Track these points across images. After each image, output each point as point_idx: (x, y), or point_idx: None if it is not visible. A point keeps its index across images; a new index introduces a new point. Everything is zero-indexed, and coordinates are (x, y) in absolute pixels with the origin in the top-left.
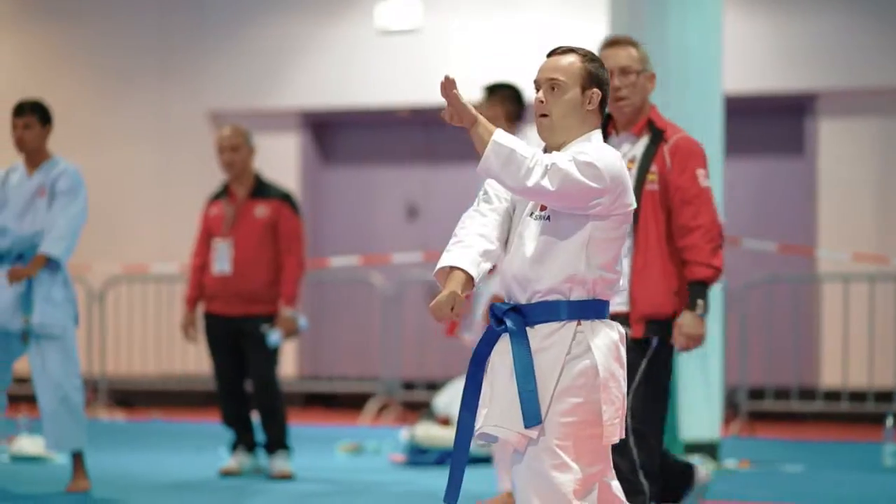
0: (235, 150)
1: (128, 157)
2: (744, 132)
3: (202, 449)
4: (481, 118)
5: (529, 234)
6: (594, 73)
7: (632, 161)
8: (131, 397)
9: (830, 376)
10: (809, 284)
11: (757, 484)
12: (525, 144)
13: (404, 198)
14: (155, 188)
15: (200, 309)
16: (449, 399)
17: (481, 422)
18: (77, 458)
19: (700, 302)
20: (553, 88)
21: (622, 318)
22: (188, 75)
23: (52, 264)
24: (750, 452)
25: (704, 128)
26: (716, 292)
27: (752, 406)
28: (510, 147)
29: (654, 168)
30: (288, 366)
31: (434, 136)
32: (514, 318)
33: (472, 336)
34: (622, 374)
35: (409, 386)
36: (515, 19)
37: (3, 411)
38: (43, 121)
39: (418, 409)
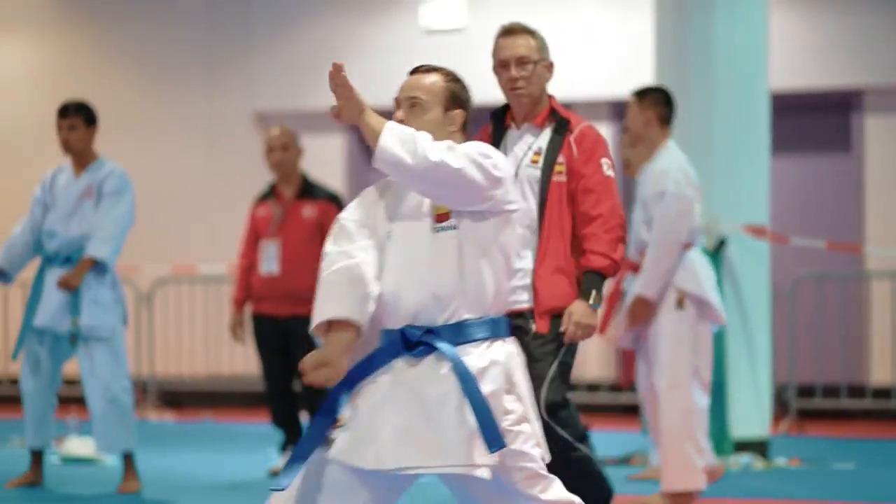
0: (285, 150)
1: (175, 159)
2: (790, 129)
3: (252, 450)
4: (369, 108)
5: (436, 249)
6: (457, 94)
7: (538, 153)
8: (180, 398)
9: (880, 373)
10: (858, 281)
11: (807, 482)
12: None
13: None
14: (202, 189)
15: (248, 309)
16: None
17: (399, 461)
18: (128, 459)
19: (594, 292)
20: (413, 107)
21: (526, 314)
22: (235, 76)
23: (98, 266)
24: (800, 450)
25: (751, 125)
26: (764, 290)
27: (802, 404)
28: (406, 130)
29: (561, 158)
30: None
31: (477, 138)
32: (440, 340)
33: (617, 335)
34: (525, 384)
35: None
36: (560, 18)
37: (53, 413)
38: (88, 122)
39: None
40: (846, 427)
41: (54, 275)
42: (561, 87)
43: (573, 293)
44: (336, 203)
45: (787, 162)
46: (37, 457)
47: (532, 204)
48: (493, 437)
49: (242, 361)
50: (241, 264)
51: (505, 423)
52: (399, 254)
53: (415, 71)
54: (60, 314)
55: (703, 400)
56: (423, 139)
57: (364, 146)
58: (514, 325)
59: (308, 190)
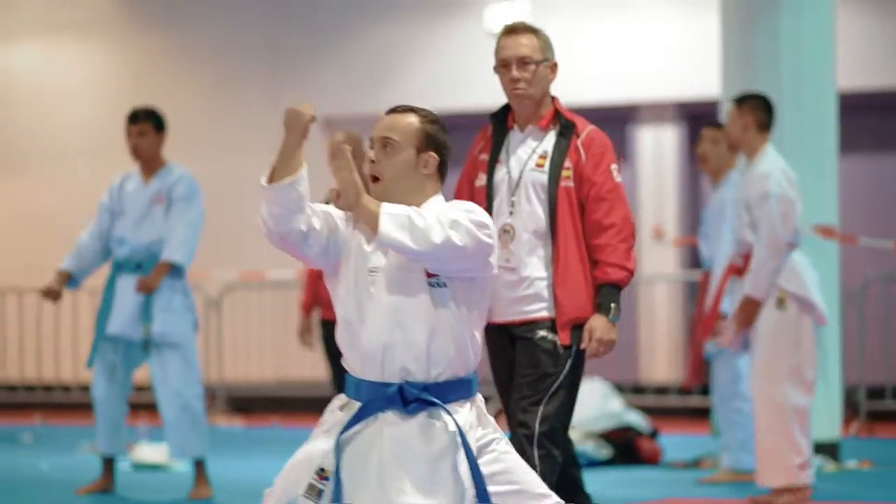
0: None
1: (242, 164)
2: (859, 129)
3: None
4: (363, 191)
5: (429, 305)
6: (432, 136)
7: (543, 157)
8: (249, 404)
9: None
10: None
11: (878, 484)
12: (409, 208)
13: None
14: None
15: (316, 315)
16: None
17: None
18: (199, 465)
19: (613, 306)
20: (385, 147)
21: (548, 324)
22: (299, 81)
23: (174, 271)
24: (870, 453)
25: (818, 125)
26: (833, 291)
27: (872, 406)
28: (403, 212)
29: (568, 163)
30: None
31: None
32: (435, 398)
33: (722, 340)
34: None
35: None
36: (625, 19)
37: (125, 419)
38: (157, 128)
39: None
40: None
41: (126, 282)
42: (626, 89)
43: (591, 304)
44: None
45: (855, 162)
46: (108, 463)
47: (538, 209)
48: (485, 500)
49: (310, 367)
50: (309, 270)
51: (491, 486)
52: (388, 304)
53: (392, 110)
54: (133, 321)
55: (801, 399)
56: (422, 218)
57: None
58: (522, 335)
59: None
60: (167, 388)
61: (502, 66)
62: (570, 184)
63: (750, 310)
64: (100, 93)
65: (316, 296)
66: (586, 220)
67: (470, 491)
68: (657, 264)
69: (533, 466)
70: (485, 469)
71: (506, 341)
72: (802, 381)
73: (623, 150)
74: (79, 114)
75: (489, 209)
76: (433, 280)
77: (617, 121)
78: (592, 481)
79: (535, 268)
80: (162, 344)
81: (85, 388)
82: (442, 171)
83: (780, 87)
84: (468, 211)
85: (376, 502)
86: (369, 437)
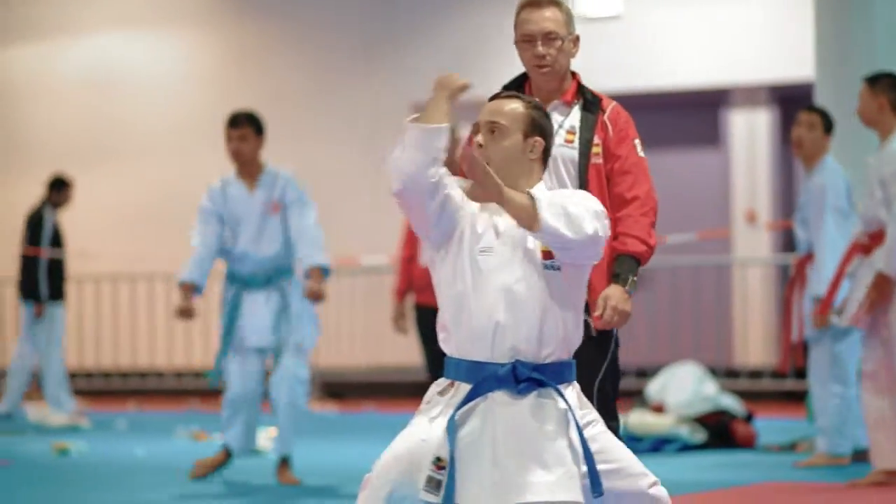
0: None
1: (336, 151)
2: None
3: None
4: (503, 185)
5: (543, 286)
6: (538, 121)
7: (571, 132)
8: (343, 389)
9: None
10: None
11: None
12: (554, 192)
13: None
14: (363, 180)
15: (410, 300)
16: (661, 386)
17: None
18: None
19: (631, 278)
20: (493, 132)
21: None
22: (392, 68)
23: (325, 272)
24: None
25: None
26: None
27: None
28: (557, 200)
29: (597, 139)
30: None
31: (638, 123)
32: (547, 378)
33: (856, 316)
34: None
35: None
36: (717, 2)
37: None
38: (258, 132)
39: (630, 397)
40: None
41: (254, 296)
42: (719, 72)
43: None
44: None
45: None
46: (226, 453)
47: (568, 186)
48: (596, 481)
49: (405, 352)
50: (403, 255)
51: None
52: (501, 284)
53: (496, 96)
54: (270, 332)
55: None
56: (573, 206)
57: None
58: None
59: None
60: (284, 386)
61: (525, 40)
62: (600, 160)
63: (883, 287)
64: (196, 85)
65: (410, 281)
66: (610, 194)
67: (582, 468)
68: (751, 248)
69: None
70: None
71: None
72: None
73: (716, 134)
74: (177, 104)
75: None
76: (548, 262)
77: (709, 104)
78: (687, 465)
79: None
80: (293, 349)
81: (179, 375)
82: (545, 157)
83: (876, 70)
84: (591, 199)
85: (493, 483)
86: (480, 418)
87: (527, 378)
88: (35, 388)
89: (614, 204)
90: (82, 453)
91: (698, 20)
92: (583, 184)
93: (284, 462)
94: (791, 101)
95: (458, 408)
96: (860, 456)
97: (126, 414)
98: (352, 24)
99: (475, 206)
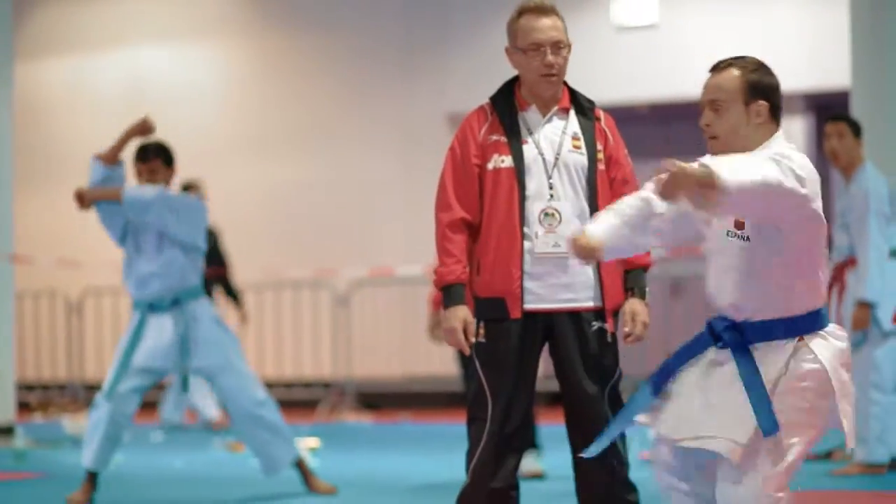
0: None
1: (372, 161)
2: None
3: (450, 450)
4: (703, 171)
5: (729, 254)
6: (756, 83)
7: (577, 138)
8: (378, 399)
9: None
10: None
11: None
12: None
13: None
14: (399, 191)
15: None
16: None
17: (683, 432)
18: (300, 464)
19: (647, 289)
20: (716, 110)
21: (595, 314)
22: (429, 77)
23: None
24: None
25: None
26: None
27: None
28: (728, 160)
29: (599, 146)
30: None
31: (672, 131)
32: (733, 335)
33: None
34: (849, 381)
35: None
36: (751, 10)
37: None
38: (167, 163)
39: None
40: None
41: (160, 321)
42: None
43: (623, 290)
44: None
45: None
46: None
47: (580, 192)
48: (769, 422)
49: (440, 362)
50: None
51: (788, 416)
52: (714, 250)
53: (714, 68)
54: (165, 354)
55: None
56: (744, 161)
57: None
58: (571, 326)
59: None
60: (236, 407)
61: (534, 48)
62: (603, 167)
63: None
64: (231, 97)
65: None
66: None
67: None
68: None
69: (617, 453)
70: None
71: (540, 332)
72: None
73: None
74: (205, 115)
75: (521, 191)
76: (733, 231)
77: None
78: None
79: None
80: (228, 370)
81: None
82: (775, 113)
83: None
84: (785, 157)
85: (681, 417)
86: (694, 370)
87: (722, 334)
88: (73, 399)
89: None
90: (119, 465)
91: (733, 28)
92: (593, 191)
93: (305, 472)
94: (827, 109)
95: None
96: None
97: (162, 426)
98: (388, 33)
99: None
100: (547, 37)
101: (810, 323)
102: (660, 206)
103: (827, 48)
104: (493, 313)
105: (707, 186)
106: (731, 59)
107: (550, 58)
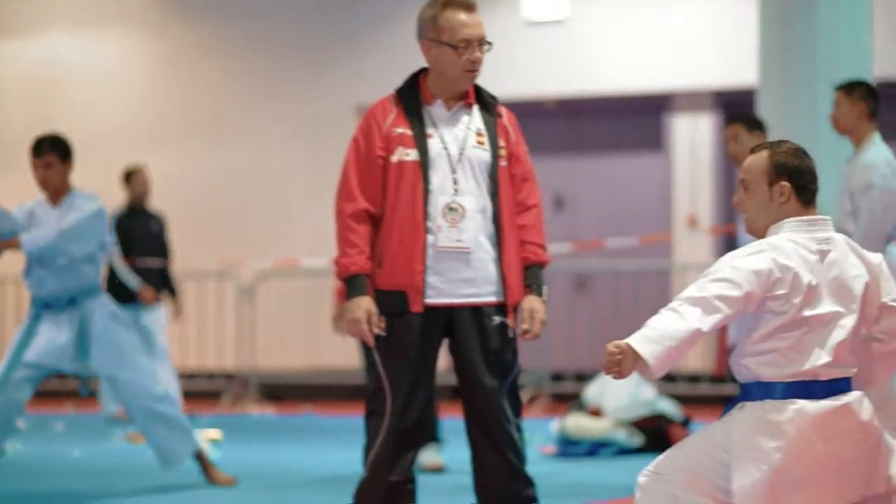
0: None
1: (279, 151)
2: (894, 117)
3: (352, 443)
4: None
5: None
6: (781, 165)
7: (480, 133)
8: (281, 391)
9: None
10: None
11: None
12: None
13: (551, 188)
14: (305, 182)
15: None
16: (598, 390)
17: None
18: (200, 456)
19: (545, 287)
20: (746, 189)
21: (497, 308)
22: (338, 71)
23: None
24: None
25: None
26: None
27: None
28: (656, 333)
29: (502, 142)
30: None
31: (581, 127)
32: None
33: None
34: (768, 448)
35: (558, 377)
36: (661, 8)
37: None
38: (63, 157)
39: (568, 401)
40: None
41: (55, 319)
42: (662, 78)
43: (523, 286)
44: None
45: (892, 149)
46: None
47: (482, 187)
48: None
49: (344, 355)
50: None
51: None
52: None
53: (752, 150)
54: (58, 352)
55: None
56: (678, 320)
57: None
58: (472, 320)
59: None
60: (134, 402)
61: (463, 44)
62: (505, 163)
63: None
64: (139, 87)
65: None
66: (513, 198)
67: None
68: (691, 253)
69: (522, 450)
70: None
71: (441, 326)
72: None
73: (658, 139)
74: (115, 106)
75: (426, 185)
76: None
77: (652, 109)
78: (623, 469)
79: (486, 248)
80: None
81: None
82: (800, 193)
83: (818, 77)
84: (715, 270)
85: None
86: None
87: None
88: None
89: (517, 210)
90: (17, 454)
91: (642, 25)
92: (496, 186)
93: (204, 463)
94: (734, 107)
95: None
96: None
97: (63, 416)
98: (298, 25)
99: None
100: (476, 33)
101: (749, 392)
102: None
103: (735, 46)
104: (394, 307)
105: (636, 364)
106: (769, 143)
107: (478, 54)
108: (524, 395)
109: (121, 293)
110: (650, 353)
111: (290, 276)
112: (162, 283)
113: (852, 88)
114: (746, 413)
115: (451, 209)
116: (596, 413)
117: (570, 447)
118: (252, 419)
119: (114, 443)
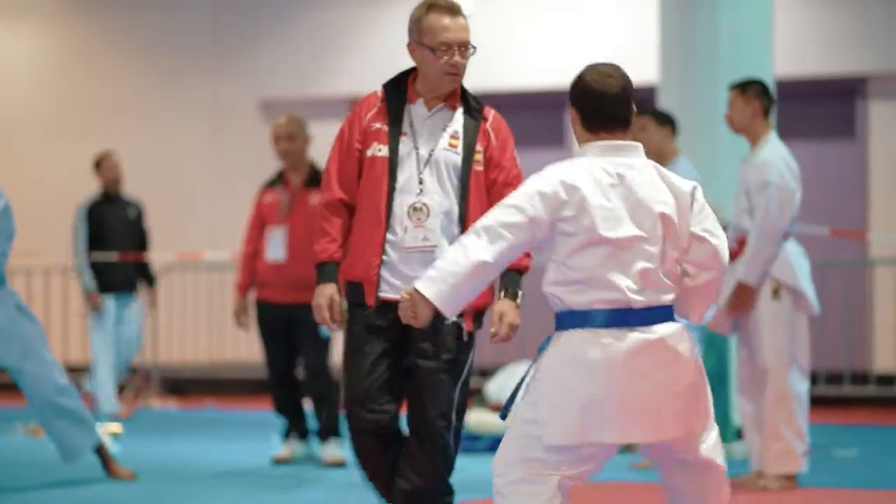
0: (291, 139)
1: (180, 147)
2: (795, 116)
3: (255, 437)
4: (415, 292)
5: None
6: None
7: (455, 136)
8: (184, 385)
9: (883, 361)
10: (861, 268)
11: (810, 469)
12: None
13: None
14: (207, 176)
15: (252, 296)
16: (500, 386)
17: None
18: (101, 451)
19: (521, 292)
20: None
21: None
22: (240, 64)
23: None
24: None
25: None
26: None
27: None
28: (439, 272)
29: (479, 147)
30: (340, 353)
31: None
32: None
33: (717, 322)
34: (575, 382)
35: None
36: (564, 7)
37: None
38: None
39: (470, 396)
40: (849, 414)
41: None
42: (565, 76)
43: (490, 291)
44: None
45: (791, 148)
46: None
47: (449, 190)
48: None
49: (246, 349)
50: (246, 251)
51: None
52: None
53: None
54: None
55: (801, 386)
56: (458, 257)
57: None
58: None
59: (316, 178)
60: (37, 394)
61: (443, 47)
62: (481, 167)
63: (743, 295)
64: (37, 77)
65: (252, 276)
66: (490, 204)
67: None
68: None
69: (452, 455)
70: None
71: (393, 319)
72: (802, 368)
73: (562, 137)
74: (13, 99)
75: (392, 183)
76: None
77: (554, 107)
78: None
79: (448, 247)
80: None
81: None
82: (587, 120)
83: (718, 73)
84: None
85: None
86: None
87: None
88: None
89: None
90: None
91: (545, 21)
92: (465, 190)
93: (105, 457)
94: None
95: None
96: None
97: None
98: (199, 21)
99: None
100: (456, 37)
101: (561, 320)
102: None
103: (636, 45)
104: (353, 297)
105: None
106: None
107: (458, 58)
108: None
109: (103, 283)
110: (436, 294)
111: (193, 269)
112: (139, 272)
113: (746, 87)
114: (554, 346)
115: (415, 209)
116: (497, 408)
117: (472, 442)
118: (154, 413)
119: (14, 436)
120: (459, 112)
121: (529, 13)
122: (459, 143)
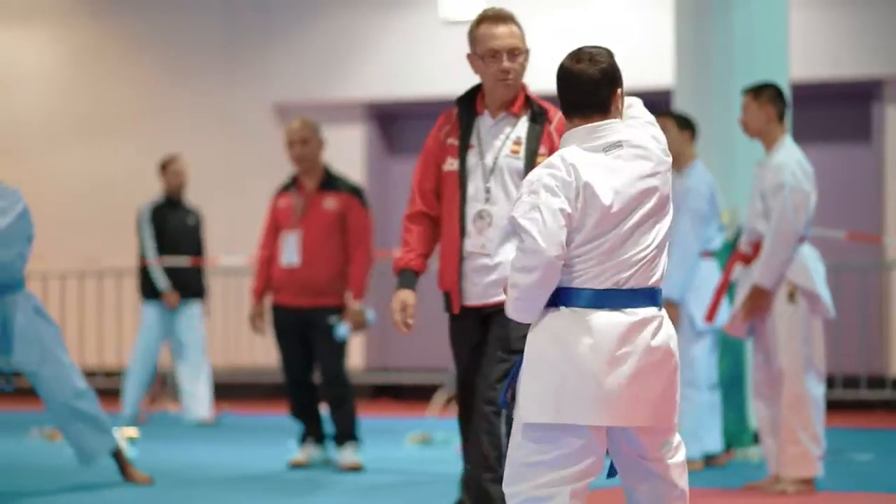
0: (305, 143)
1: (194, 151)
2: (810, 120)
3: (271, 442)
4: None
5: None
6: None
7: (517, 143)
8: None
9: None
10: (877, 272)
11: (827, 473)
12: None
13: None
14: (221, 181)
15: (268, 301)
16: None
17: None
18: (117, 454)
19: None
20: None
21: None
22: (254, 68)
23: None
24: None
25: None
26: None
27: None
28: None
29: (542, 150)
30: (356, 358)
31: None
32: None
33: (733, 325)
34: (555, 358)
35: None
36: (580, 9)
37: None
38: None
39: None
40: (865, 418)
41: None
42: None
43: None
44: (358, 196)
45: (807, 152)
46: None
47: (514, 196)
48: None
49: (262, 353)
50: (262, 255)
51: None
52: None
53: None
54: None
55: (818, 389)
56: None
57: (383, 136)
58: (496, 315)
59: (330, 182)
60: (56, 399)
61: (491, 55)
62: None
63: (758, 299)
64: (51, 80)
65: (268, 281)
66: None
67: None
68: None
69: (498, 440)
70: None
71: (476, 324)
72: (818, 372)
73: None
74: (29, 100)
75: (462, 195)
76: None
77: None
78: None
79: (509, 253)
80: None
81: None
82: (564, 107)
83: (734, 77)
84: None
85: None
86: None
87: None
88: None
89: None
90: None
91: (559, 25)
92: None
93: (122, 461)
94: (651, 108)
95: None
96: (711, 461)
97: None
98: (213, 23)
99: None
100: (504, 43)
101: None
102: None
103: (652, 49)
104: (445, 306)
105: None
106: None
107: (507, 63)
108: (443, 395)
109: (155, 290)
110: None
111: (209, 273)
112: (196, 280)
113: (759, 91)
114: (539, 325)
115: (479, 217)
116: None
117: None
118: (167, 417)
119: (31, 440)
120: (524, 119)
121: (544, 18)
122: (522, 149)
